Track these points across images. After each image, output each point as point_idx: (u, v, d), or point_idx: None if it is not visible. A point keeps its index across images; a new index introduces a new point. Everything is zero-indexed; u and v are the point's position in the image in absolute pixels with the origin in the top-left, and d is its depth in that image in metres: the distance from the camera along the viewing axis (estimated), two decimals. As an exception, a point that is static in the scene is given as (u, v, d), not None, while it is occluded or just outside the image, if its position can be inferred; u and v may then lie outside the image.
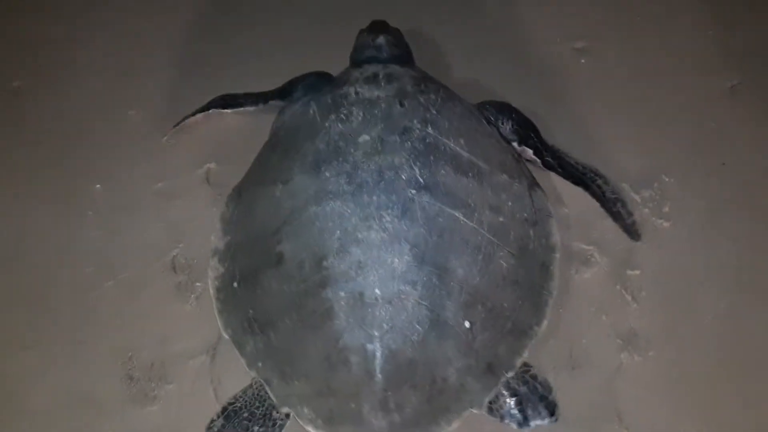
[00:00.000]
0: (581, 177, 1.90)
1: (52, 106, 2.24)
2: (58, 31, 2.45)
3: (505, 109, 1.89)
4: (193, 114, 2.10)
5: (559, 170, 1.91)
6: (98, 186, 2.04)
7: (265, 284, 1.51)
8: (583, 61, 2.28)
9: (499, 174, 1.62)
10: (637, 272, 1.80)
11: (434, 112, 1.59)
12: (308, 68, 2.01)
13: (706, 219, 1.89)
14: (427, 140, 1.53)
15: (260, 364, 1.48)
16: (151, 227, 1.95)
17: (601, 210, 1.87)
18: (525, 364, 1.51)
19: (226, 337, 1.55)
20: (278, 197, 1.57)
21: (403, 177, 1.47)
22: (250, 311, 1.52)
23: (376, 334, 1.36)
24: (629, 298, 1.76)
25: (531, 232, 1.61)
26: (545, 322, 1.53)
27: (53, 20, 2.48)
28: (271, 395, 1.47)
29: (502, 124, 1.86)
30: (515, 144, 1.88)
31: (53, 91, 2.29)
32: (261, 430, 1.49)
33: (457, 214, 1.48)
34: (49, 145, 2.15)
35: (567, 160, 1.93)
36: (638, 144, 2.05)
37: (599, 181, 1.90)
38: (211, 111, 2.09)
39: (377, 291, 1.38)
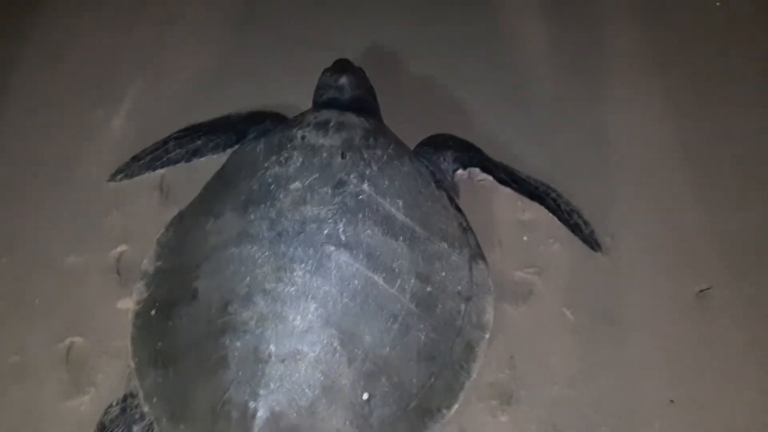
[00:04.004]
0: (536, 191, 1.87)
1: None
2: None
3: (440, 142, 1.86)
4: (151, 167, 1.98)
5: (514, 185, 1.87)
6: None
7: (177, 319, 1.46)
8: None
9: (437, 241, 1.55)
10: None
11: (375, 168, 1.53)
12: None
13: None
14: (360, 197, 1.48)
15: (155, 400, 1.42)
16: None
17: None
18: None
19: (132, 366, 1.50)
20: (207, 231, 1.54)
21: (325, 232, 1.41)
22: (159, 343, 1.47)
23: (262, 392, 1.29)
24: None
25: (462, 306, 1.52)
26: (456, 407, 1.44)
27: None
28: (158, 436, 1.41)
29: (444, 160, 1.82)
30: (460, 171, 1.85)
31: None
32: None
33: (376, 278, 1.41)
34: None
35: (519, 175, 1.90)
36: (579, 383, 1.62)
37: (553, 195, 1.87)
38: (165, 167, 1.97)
39: (272, 347, 1.31)
